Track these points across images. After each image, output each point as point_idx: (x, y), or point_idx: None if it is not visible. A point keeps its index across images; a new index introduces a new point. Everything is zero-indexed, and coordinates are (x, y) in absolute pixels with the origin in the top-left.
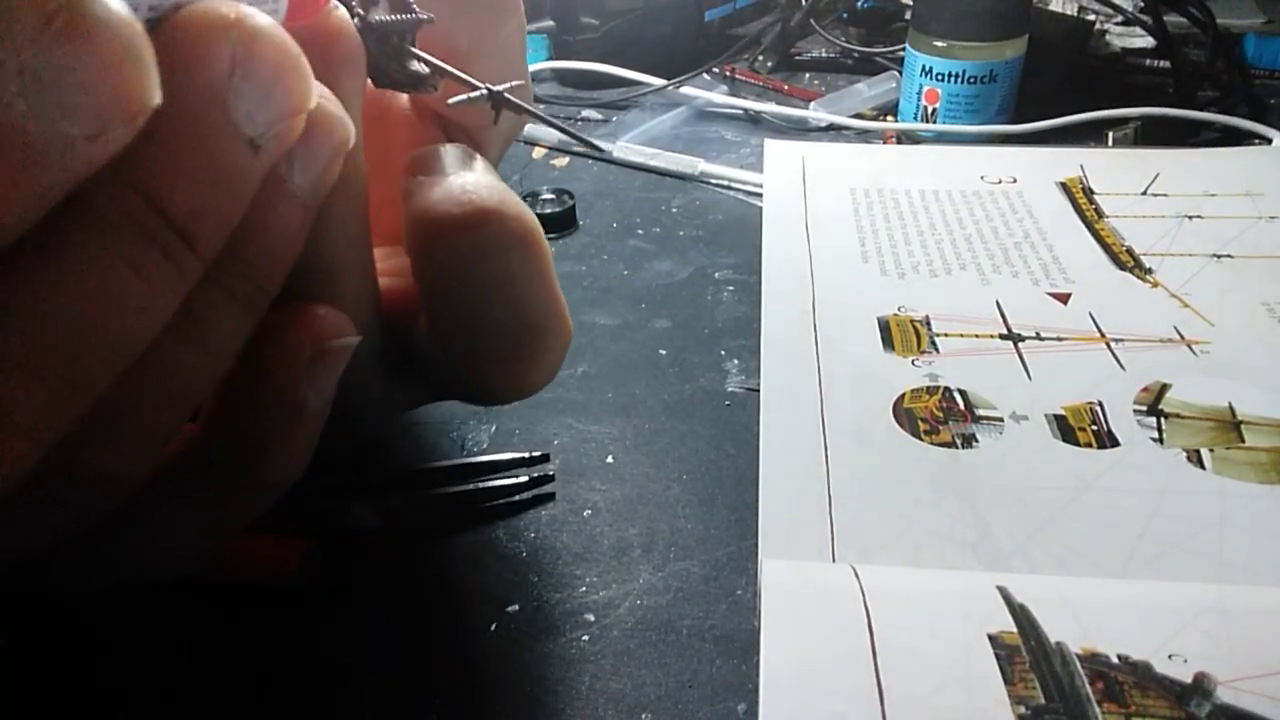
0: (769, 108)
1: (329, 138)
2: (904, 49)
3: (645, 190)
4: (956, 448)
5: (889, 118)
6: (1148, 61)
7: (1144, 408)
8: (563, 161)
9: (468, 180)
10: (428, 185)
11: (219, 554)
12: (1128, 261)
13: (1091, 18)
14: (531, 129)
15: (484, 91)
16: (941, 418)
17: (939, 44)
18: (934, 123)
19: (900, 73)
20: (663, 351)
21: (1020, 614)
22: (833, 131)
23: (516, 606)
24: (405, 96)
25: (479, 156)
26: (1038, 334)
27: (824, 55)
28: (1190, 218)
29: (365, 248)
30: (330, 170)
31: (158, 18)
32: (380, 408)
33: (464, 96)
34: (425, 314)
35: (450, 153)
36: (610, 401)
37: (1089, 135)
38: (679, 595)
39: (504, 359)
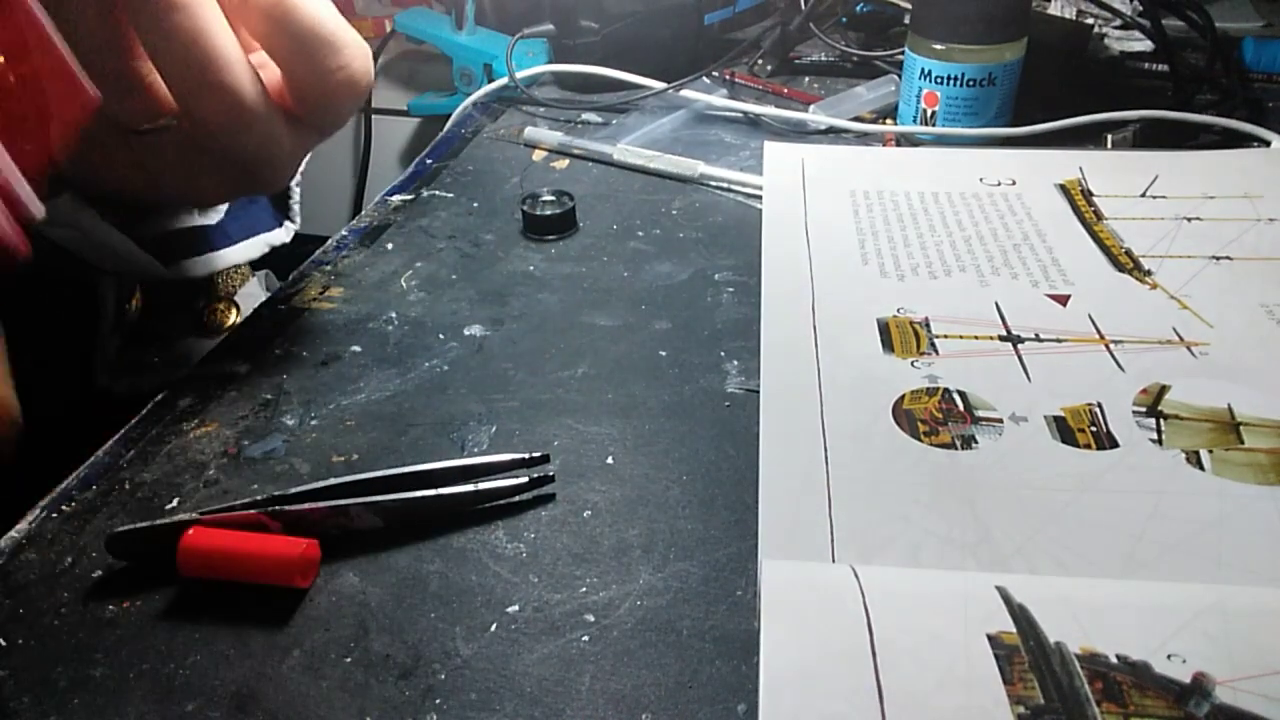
0: (768, 111)
1: None
2: (903, 52)
3: (645, 192)
4: (956, 449)
5: (888, 121)
6: (1146, 65)
7: (1143, 409)
8: (563, 164)
9: None
10: None
11: (218, 556)
12: (1127, 263)
13: (1090, 21)
14: (531, 132)
15: None
16: (941, 419)
17: (938, 47)
18: (933, 125)
19: (899, 76)
20: (663, 353)
21: (1019, 614)
22: (832, 134)
23: (516, 606)
24: None
25: None
26: (1037, 335)
27: (823, 59)
28: (1189, 220)
29: (237, 49)
30: None
31: None
32: (292, 150)
33: None
34: (288, 77)
35: None
36: (610, 402)
37: (1088, 138)
38: (679, 595)
39: (316, 64)
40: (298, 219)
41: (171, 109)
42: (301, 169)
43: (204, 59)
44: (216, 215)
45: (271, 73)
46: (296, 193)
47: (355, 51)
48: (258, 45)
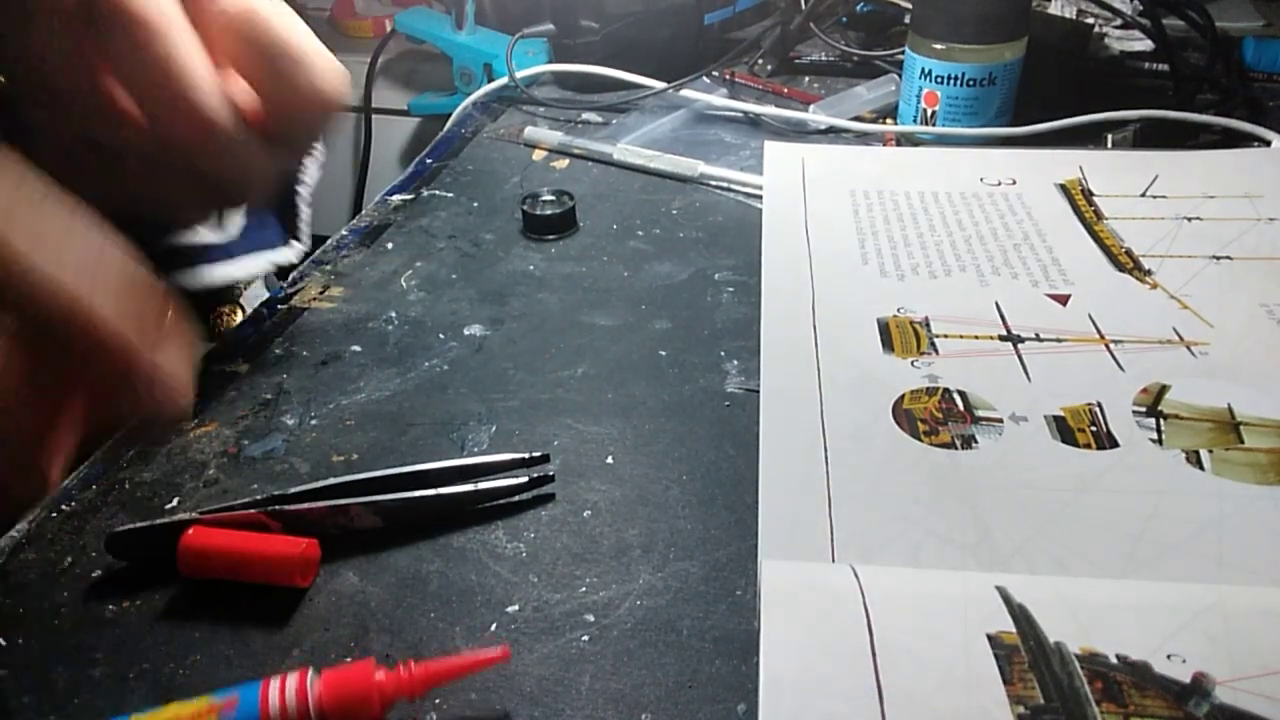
0: (768, 110)
1: None
2: (903, 52)
3: (645, 192)
4: (956, 449)
5: (888, 120)
6: (1147, 64)
7: (1143, 409)
8: (563, 163)
9: None
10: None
11: (218, 555)
12: (1127, 263)
13: (1090, 21)
14: (531, 132)
15: None
16: (941, 419)
17: (938, 47)
18: (933, 125)
19: (899, 76)
20: (663, 352)
21: (1019, 614)
22: (832, 134)
23: (516, 606)
24: None
25: None
26: (1037, 335)
27: (823, 59)
28: (1189, 219)
29: (207, 70)
30: None
31: None
32: (264, 169)
33: None
34: (259, 95)
35: None
36: (610, 402)
37: (1088, 138)
38: (679, 595)
39: (284, 80)
40: (307, 240)
41: (140, 126)
42: (311, 190)
43: (174, 80)
44: (227, 234)
45: (245, 95)
46: (306, 213)
47: (325, 68)
48: (230, 67)
